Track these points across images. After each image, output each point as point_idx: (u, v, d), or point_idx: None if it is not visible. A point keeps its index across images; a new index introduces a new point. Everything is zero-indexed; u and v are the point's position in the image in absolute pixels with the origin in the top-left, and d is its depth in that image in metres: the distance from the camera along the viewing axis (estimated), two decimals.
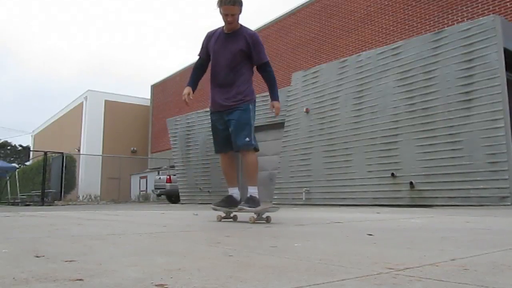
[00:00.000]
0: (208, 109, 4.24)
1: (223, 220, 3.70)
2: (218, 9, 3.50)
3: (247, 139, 3.54)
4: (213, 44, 3.70)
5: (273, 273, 1.26)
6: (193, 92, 3.79)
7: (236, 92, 3.62)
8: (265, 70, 3.68)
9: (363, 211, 5.90)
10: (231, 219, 3.74)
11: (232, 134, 3.61)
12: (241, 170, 6.23)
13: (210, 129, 3.90)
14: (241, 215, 3.71)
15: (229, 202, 3.70)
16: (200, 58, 3.89)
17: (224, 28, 3.67)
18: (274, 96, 3.69)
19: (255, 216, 3.41)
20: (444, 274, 1.24)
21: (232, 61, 3.61)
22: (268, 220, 3.42)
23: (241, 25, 3.65)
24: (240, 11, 3.51)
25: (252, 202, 3.47)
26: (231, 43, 3.61)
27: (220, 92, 3.68)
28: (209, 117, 3.87)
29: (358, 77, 9.10)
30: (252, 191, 3.54)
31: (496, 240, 2.22)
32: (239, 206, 3.59)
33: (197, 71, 3.90)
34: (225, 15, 3.50)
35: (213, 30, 3.80)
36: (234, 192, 3.72)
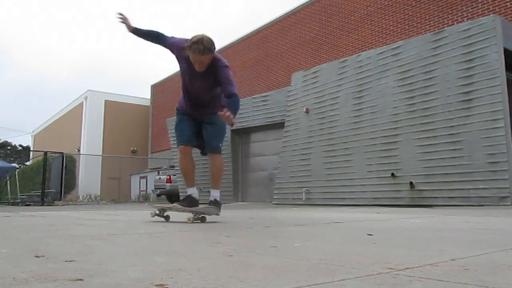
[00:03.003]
0: None
1: (156, 216, 3.73)
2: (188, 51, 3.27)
3: (221, 144, 3.73)
4: (184, 64, 3.51)
5: (273, 273, 1.26)
6: (130, 30, 3.60)
7: (212, 107, 3.58)
8: (229, 99, 3.38)
9: (363, 211, 5.90)
10: (163, 218, 3.74)
11: (208, 136, 3.67)
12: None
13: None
14: (176, 215, 3.74)
15: (190, 202, 3.68)
16: (163, 40, 3.62)
17: None
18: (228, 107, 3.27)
19: (192, 216, 3.44)
20: (444, 274, 1.24)
21: (206, 91, 3.56)
22: (202, 220, 3.47)
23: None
24: (211, 58, 3.32)
25: (214, 205, 3.58)
26: (203, 76, 3.45)
27: (194, 107, 3.69)
28: None
29: (358, 77, 9.10)
30: (216, 194, 3.63)
31: (496, 240, 2.22)
32: (173, 206, 3.71)
33: (150, 37, 3.67)
34: (193, 61, 3.34)
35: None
36: (194, 192, 3.73)
